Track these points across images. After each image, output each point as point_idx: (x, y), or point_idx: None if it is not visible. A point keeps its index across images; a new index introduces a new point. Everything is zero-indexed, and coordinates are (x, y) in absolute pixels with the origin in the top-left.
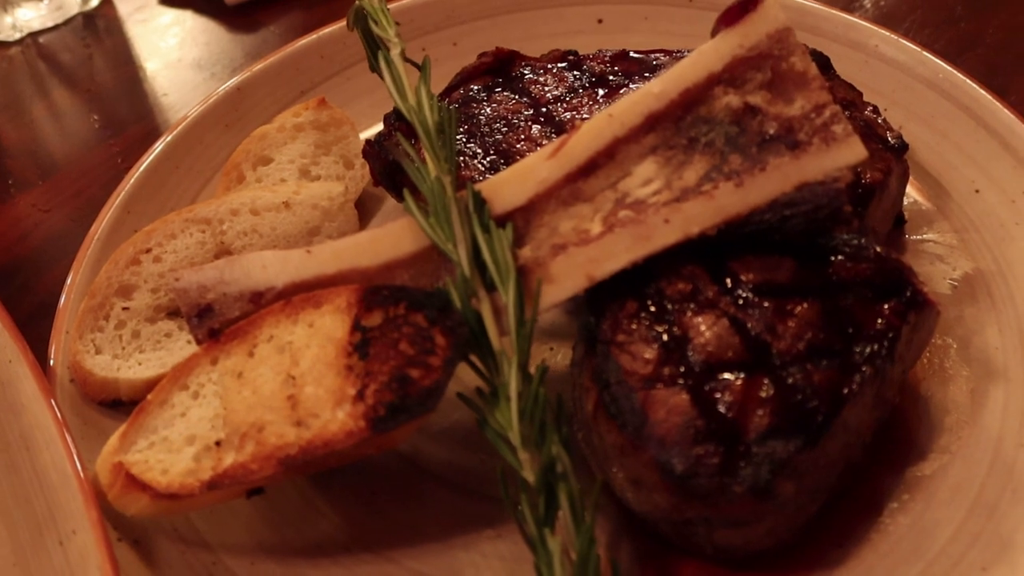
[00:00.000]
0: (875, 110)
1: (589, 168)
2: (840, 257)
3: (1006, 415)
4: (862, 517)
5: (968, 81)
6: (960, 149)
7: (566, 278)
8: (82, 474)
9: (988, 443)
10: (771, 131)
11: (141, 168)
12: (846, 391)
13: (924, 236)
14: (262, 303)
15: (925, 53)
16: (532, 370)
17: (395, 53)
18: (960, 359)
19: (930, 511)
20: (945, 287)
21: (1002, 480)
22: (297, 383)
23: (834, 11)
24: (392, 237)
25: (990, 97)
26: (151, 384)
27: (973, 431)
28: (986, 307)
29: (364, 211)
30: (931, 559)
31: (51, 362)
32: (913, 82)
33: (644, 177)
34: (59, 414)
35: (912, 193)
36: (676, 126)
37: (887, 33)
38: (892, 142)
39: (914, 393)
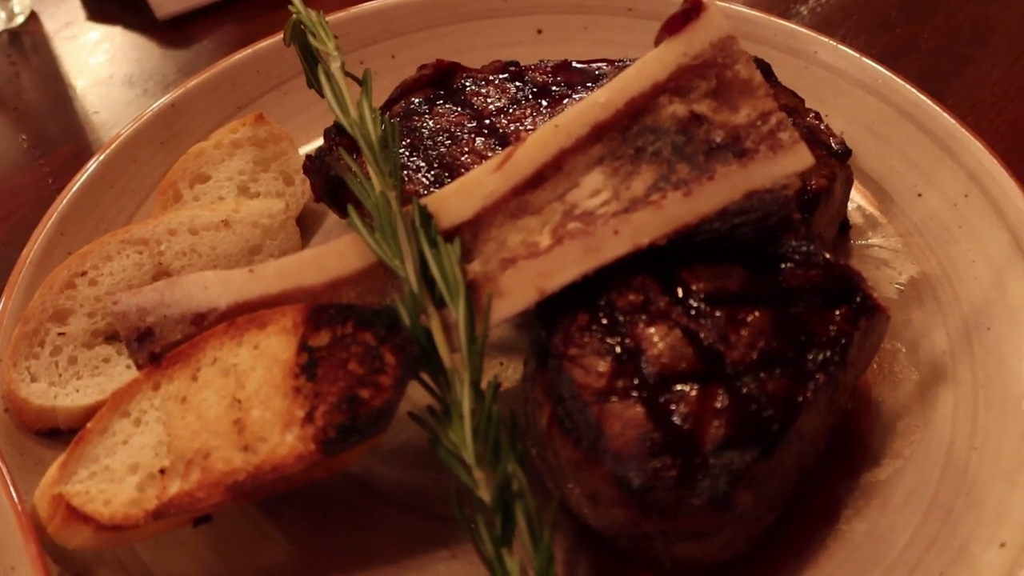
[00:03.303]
0: (817, 116)
1: (536, 180)
2: (790, 264)
3: (956, 418)
4: (819, 524)
5: (907, 86)
6: (902, 154)
7: (516, 292)
8: (20, 507)
9: (940, 446)
10: (718, 139)
11: (74, 188)
12: (800, 399)
13: (869, 241)
14: (204, 325)
15: (864, 59)
16: (484, 386)
17: (335, 67)
18: (909, 363)
19: (886, 516)
20: (892, 292)
21: (956, 483)
22: (243, 407)
23: (773, 19)
24: (337, 254)
25: (929, 101)
26: (90, 412)
27: (925, 435)
28: (932, 310)
29: (305, 228)
30: (889, 565)
31: None
32: (853, 88)
33: (592, 188)
34: None
35: (856, 199)
36: (622, 136)
37: (826, 40)
38: (836, 148)
39: (866, 398)
